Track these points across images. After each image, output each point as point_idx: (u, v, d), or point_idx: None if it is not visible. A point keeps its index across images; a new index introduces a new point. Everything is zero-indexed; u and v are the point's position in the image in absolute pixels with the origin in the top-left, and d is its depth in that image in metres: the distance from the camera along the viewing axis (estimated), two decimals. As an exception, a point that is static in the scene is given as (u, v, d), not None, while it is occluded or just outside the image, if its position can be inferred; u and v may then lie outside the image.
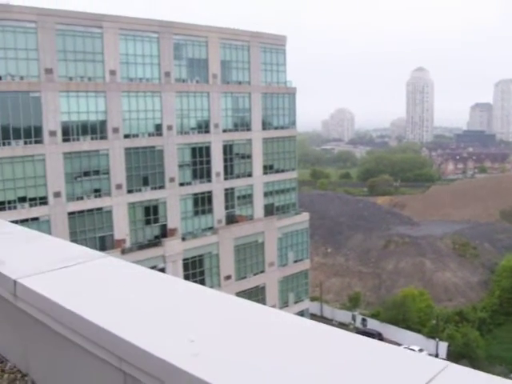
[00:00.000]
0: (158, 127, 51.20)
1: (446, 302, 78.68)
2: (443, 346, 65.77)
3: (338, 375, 1.98)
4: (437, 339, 66.00)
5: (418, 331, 69.37)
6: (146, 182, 50.50)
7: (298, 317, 2.59)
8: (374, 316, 75.60)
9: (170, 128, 51.43)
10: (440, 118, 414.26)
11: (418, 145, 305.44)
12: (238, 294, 50.73)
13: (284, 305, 59.41)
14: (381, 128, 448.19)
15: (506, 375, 51.19)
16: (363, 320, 75.70)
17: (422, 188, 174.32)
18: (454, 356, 61.32)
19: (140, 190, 49.98)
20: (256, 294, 55.84)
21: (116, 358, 2.34)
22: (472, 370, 1.99)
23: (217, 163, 54.52)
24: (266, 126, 58.77)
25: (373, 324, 73.68)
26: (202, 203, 54.10)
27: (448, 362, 2.01)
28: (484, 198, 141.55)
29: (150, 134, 50.66)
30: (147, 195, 50.40)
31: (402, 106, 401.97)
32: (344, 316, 77.20)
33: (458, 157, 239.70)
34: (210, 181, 54.29)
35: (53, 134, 44.42)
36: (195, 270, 53.03)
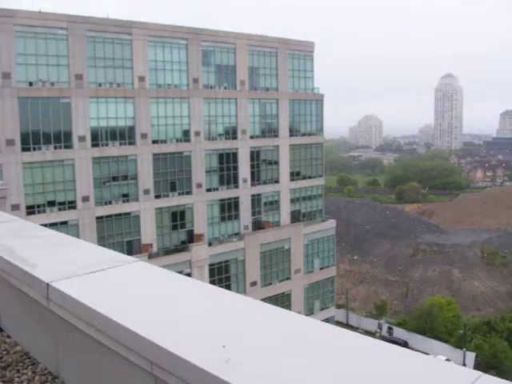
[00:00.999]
0: (186, 133, 51.49)
1: (474, 311, 77.67)
2: (471, 357, 64.83)
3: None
4: (464, 349, 65.08)
5: (446, 341, 68.51)
6: (173, 188, 50.79)
7: (330, 325, 2.59)
8: (401, 325, 74.85)
9: (197, 134, 51.71)
10: (469, 124, 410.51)
11: (446, 152, 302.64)
12: (264, 301, 50.43)
13: (309, 312, 59.17)
14: (409, 135, 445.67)
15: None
16: (389, 328, 74.99)
17: (450, 196, 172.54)
18: (482, 367, 60.38)
19: (167, 196, 50.28)
20: (282, 301, 55.71)
21: (147, 363, 2.36)
22: (505, 381, 1.97)
23: (244, 169, 54.64)
24: (293, 132, 58.76)
25: (399, 333, 72.95)
26: (229, 209, 54.23)
27: (481, 373, 1.99)
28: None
29: (177, 140, 50.96)
30: (174, 200, 50.68)
31: (430, 112, 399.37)
32: (370, 324, 76.58)
33: (487, 164, 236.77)
34: (237, 187, 54.42)
35: (82, 139, 44.96)
36: (221, 275, 53.13)
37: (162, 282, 3.30)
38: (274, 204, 57.83)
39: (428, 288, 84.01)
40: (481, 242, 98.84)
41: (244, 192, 54.73)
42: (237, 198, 54.43)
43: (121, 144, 47.39)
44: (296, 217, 59.21)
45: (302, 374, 2.05)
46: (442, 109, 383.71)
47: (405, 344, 66.82)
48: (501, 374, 58.17)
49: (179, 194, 51.01)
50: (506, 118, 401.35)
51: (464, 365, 62.40)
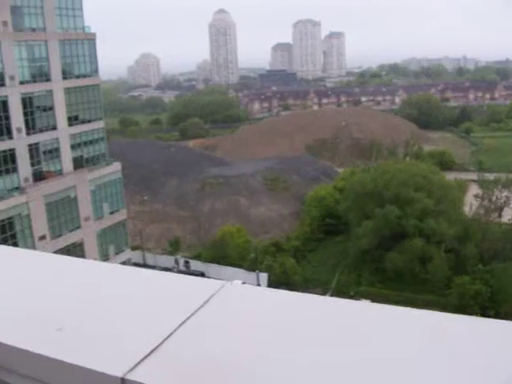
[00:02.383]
0: None
1: (263, 235, 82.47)
2: (264, 277, 69.26)
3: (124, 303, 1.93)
4: (257, 271, 69.26)
5: (239, 266, 72.25)
6: None
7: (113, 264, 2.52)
8: (197, 257, 77.30)
9: (-42, 83, 47.03)
10: (244, 59, 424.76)
11: (224, 86, 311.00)
12: (56, 253, 48.88)
13: (105, 258, 58.38)
14: (187, 72, 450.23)
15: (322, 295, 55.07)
16: (186, 262, 77.05)
17: (231, 129, 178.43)
18: (275, 285, 64.94)
19: None
20: (74, 251, 54.20)
21: None
22: (250, 285, 2.10)
23: (16, 118, 50.96)
24: (66, 75, 55.79)
25: (196, 265, 75.35)
26: (5, 162, 50.56)
27: (226, 282, 2.07)
28: (290, 134, 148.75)
29: None
30: None
31: (206, 48, 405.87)
32: (167, 261, 77.94)
33: (263, 96, 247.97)
34: (10, 138, 50.73)
35: None
36: (5, 234, 49.91)
37: None
38: (54, 152, 55.11)
39: (218, 219, 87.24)
40: (263, 169, 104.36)
41: (20, 142, 51.28)
42: (12, 149, 50.88)
43: None
44: (79, 163, 57.15)
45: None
46: (216, 44, 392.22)
47: (202, 274, 69.31)
48: (291, 288, 62.94)
49: None
50: (277, 50, 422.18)
51: (258, 285, 66.58)
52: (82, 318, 1.85)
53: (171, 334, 1.71)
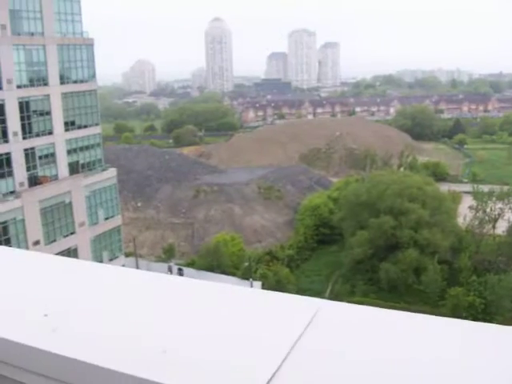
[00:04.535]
0: None
1: (257, 243, 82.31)
2: (257, 286, 68.99)
3: (226, 326, 1.84)
4: (251, 280, 69.02)
5: (233, 274, 71.99)
6: None
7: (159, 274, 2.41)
8: (190, 265, 76.96)
9: (-44, 86, 46.81)
10: (239, 67, 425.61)
11: (219, 94, 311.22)
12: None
13: (98, 264, 57.96)
14: (182, 79, 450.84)
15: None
16: (179, 270, 76.70)
17: (225, 137, 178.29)
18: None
19: None
20: (68, 257, 53.72)
21: None
22: (346, 303, 1.99)
23: (13, 122, 50.72)
24: (64, 79, 55.63)
25: (189, 273, 75.00)
26: (1, 166, 50.34)
27: (323, 300, 1.98)
28: (284, 143, 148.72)
29: None
30: None
31: (202, 56, 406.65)
32: (160, 268, 77.45)
33: (257, 105, 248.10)
34: (6, 141, 50.46)
35: None
36: (0, 238, 49.67)
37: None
38: (50, 157, 54.86)
39: (212, 227, 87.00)
40: (257, 178, 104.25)
41: (16, 146, 51.04)
42: (8, 153, 50.62)
43: None
44: (75, 168, 56.93)
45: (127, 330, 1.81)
46: (212, 52, 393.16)
47: (195, 283, 68.91)
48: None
49: None
50: (272, 59, 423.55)
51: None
52: (185, 342, 1.73)
53: (281, 364, 1.56)
